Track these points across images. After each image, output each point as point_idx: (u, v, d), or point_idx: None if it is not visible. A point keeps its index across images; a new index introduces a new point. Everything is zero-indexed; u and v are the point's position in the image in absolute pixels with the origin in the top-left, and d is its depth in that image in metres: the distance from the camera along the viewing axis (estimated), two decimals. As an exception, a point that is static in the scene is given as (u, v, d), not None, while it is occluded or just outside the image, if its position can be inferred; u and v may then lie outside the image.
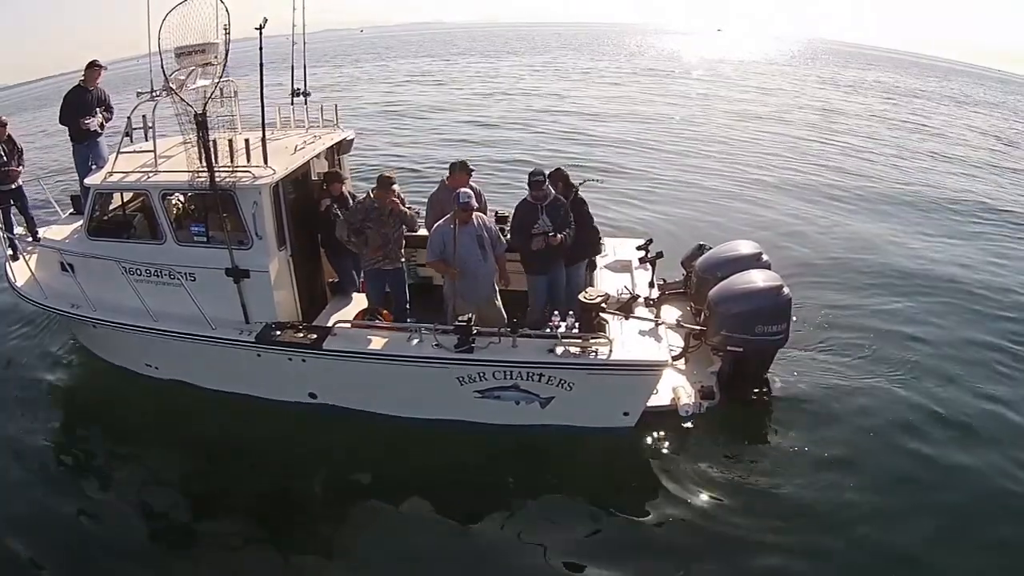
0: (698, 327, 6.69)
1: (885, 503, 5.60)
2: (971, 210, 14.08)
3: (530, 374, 5.90)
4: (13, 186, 7.49)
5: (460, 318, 5.84)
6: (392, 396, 6.23)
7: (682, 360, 6.84)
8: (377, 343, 6.01)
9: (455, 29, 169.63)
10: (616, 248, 7.85)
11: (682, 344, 6.89)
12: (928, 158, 19.74)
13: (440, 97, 29.92)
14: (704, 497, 5.68)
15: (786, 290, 6.41)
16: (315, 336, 6.08)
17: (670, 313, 7.28)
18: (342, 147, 7.41)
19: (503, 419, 6.18)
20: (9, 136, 7.50)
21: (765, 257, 7.06)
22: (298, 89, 7.28)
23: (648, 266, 7.21)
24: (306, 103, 7.34)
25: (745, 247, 7.20)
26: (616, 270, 7.42)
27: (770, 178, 15.94)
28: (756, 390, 6.78)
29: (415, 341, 5.96)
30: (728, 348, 6.48)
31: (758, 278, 6.55)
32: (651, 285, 7.10)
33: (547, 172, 6.78)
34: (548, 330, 5.93)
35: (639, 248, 7.46)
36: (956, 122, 28.53)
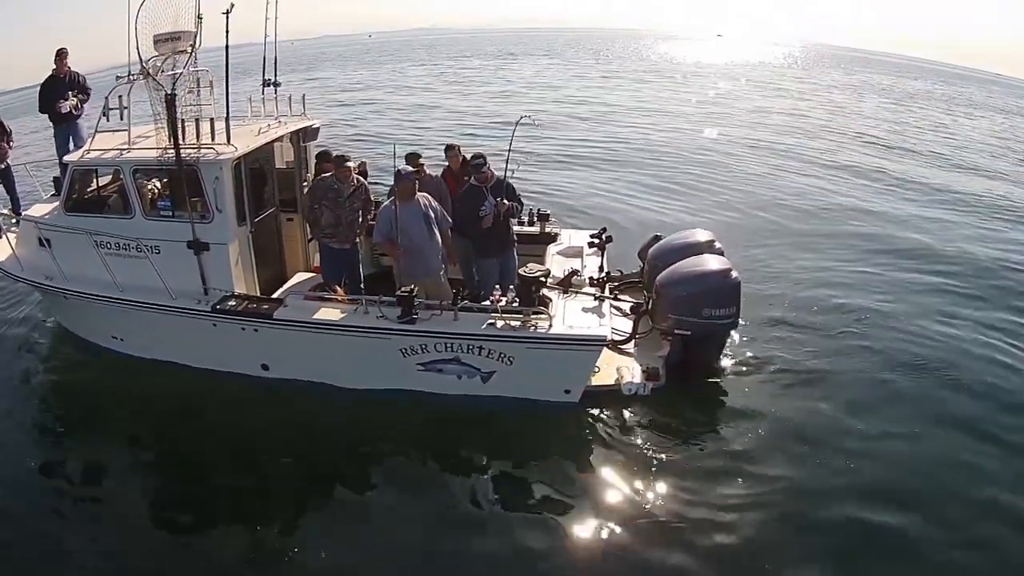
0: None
1: (824, 487, 6.02)
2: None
3: (470, 347, 6.62)
4: (1, 166, 8.68)
5: (402, 289, 6.65)
6: (339, 368, 7.00)
7: (631, 344, 7.57)
8: (325, 314, 6.81)
9: (455, 35, 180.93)
10: (571, 236, 8.71)
11: (631, 328, 7.62)
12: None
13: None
14: (642, 478, 6.10)
15: (734, 273, 7.04)
16: (267, 307, 6.93)
17: (623, 303, 8.13)
18: (307, 134, 8.31)
19: (446, 392, 6.88)
20: None
21: (718, 244, 7.72)
22: (268, 80, 8.29)
23: (599, 251, 7.97)
24: (276, 93, 8.33)
25: (698, 235, 7.89)
26: (568, 255, 8.20)
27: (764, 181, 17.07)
28: (706, 376, 7.39)
29: (361, 313, 6.78)
30: (676, 332, 7.12)
31: (705, 261, 7.24)
32: (601, 269, 7.84)
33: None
34: (489, 304, 6.72)
35: (592, 236, 8.25)
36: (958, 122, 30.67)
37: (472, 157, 7.56)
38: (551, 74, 47.00)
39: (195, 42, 6.77)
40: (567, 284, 7.07)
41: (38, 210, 7.95)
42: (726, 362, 7.68)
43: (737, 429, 6.79)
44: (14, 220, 8.25)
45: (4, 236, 8.06)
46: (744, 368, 7.70)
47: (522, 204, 7.82)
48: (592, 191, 15.59)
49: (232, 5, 6.59)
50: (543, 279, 6.76)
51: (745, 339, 8.20)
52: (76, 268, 7.35)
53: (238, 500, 6.20)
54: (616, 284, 8.68)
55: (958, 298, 9.90)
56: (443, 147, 8.83)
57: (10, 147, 8.95)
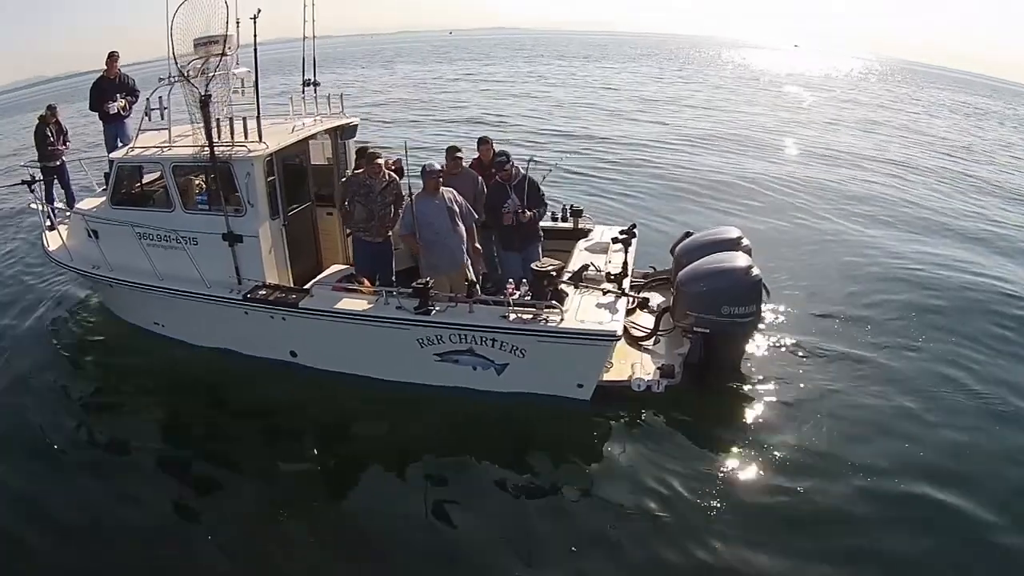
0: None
1: (833, 495, 6.07)
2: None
3: (484, 339, 6.95)
4: (57, 163, 9.62)
5: (418, 281, 7.03)
6: (361, 356, 7.46)
7: (652, 340, 7.77)
8: (348, 305, 7.27)
9: (527, 35, 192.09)
10: (603, 232, 8.92)
11: (652, 325, 7.81)
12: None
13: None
14: (646, 475, 6.30)
15: (756, 271, 7.12)
16: (294, 296, 7.46)
17: (653, 300, 8.34)
18: (345, 132, 8.84)
19: (463, 384, 7.26)
20: (57, 120, 9.67)
21: (746, 242, 7.81)
22: (308, 79, 8.86)
23: (623, 247, 8.16)
24: (315, 92, 8.90)
25: (727, 232, 8.03)
26: (595, 251, 8.43)
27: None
28: (727, 375, 7.50)
29: (382, 304, 7.21)
30: (695, 329, 7.27)
31: (727, 258, 7.36)
32: (624, 265, 8.02)
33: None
34: (502, 297, 7.04)
35: (621, 232, 8.46)
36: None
37: (495, 155, 7.89)
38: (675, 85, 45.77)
39: (225, 44, 7.33)
40: (578, 279, 7.31)
41: (87, 203, 8.75)
42: (748, 362, 7.77)
43: (750, 431, 6.91)
44: (67, 213, 9.07)
45: (57, 228, 8.89)
46: (767, 369, 7.78)
47: (546, 205, 8.13)
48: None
49: (259, 10, 7.13)
50: (554, 273, 7.01)
51: (771, 339, 8.29)
52: (121, 258, 8.06)
53: (252, 485, 6.69)
54: (647, 281, 8.90)
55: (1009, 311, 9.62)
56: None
57: (66, 147, 9.92)
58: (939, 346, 8.54)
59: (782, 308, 9.05)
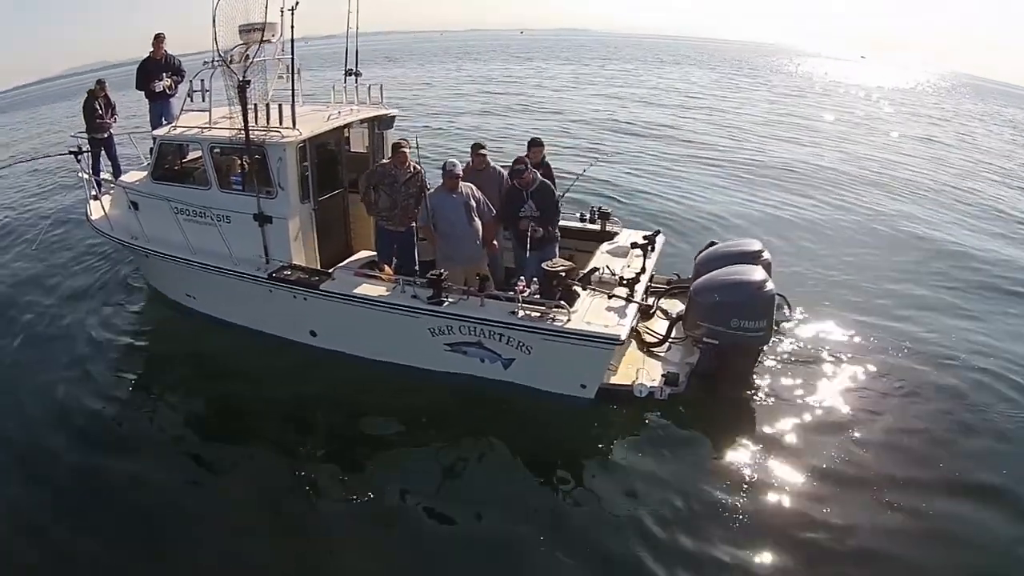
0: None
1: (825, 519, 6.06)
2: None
3: (492, 333, 7.18)
4: (105, 135, 10.23)
5: (432, 272, 7.29)
6: (376, 340, 7.77)
7: (664, 347, 7.89)
8: (365, 290, 7.57)
9: (600, 37, 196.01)
10: (630, 236, 9.02)
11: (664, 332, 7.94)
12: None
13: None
14: (643, 480, 6.46)
15: (769, 286, 7.16)
16: (316, 278, 7.80)
17: (674, 307, 8.45)
18: (383, 122, 9.17)
19: (470, 374, 7.51)
20: (106, 94, 10.28)
21: (766, 255, 7.88)
22: (350, 69, 9.19)
23: (642, 252, 8.27)
24: (356, 83, 9.24)
25: (748, 244, 8.08)
26: (617, 255, 8.54)
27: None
28: (733, 389, 7.52)
29: (398, 292, 7.50)
30: (705, 340, 7.35)
31: (742, 271, 7.40)
32: (643, 270, 8.09)
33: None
34: (513, 294, 7.25)
35: (644, 237, 8.57)
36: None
37: (513, 162, 8.09)
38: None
39: (266, 31, 7.70)
40: (586, 281, 7.46)
41: (131, 176, 9.27)
42: (760, 374, 7.81)
43: (750, 442, 6.95)
44: (112, 185, 9.63)
45: (100, 198, 9.44)
46: (778, 382, 7.79)
47: (559, 214, 8.28)
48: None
49: (297, 3, 7.45)
50: (563, 274, 7.19)
51: (788, 351, 8.32)
52: (158, 230, 8.54)
53: (258, 461, 7.05)
54: (669, 287, 9.00)
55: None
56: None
57: (113, 121, 10.53)
58: (972, 360, 8.46)
59: (806, 319, 9.04)
